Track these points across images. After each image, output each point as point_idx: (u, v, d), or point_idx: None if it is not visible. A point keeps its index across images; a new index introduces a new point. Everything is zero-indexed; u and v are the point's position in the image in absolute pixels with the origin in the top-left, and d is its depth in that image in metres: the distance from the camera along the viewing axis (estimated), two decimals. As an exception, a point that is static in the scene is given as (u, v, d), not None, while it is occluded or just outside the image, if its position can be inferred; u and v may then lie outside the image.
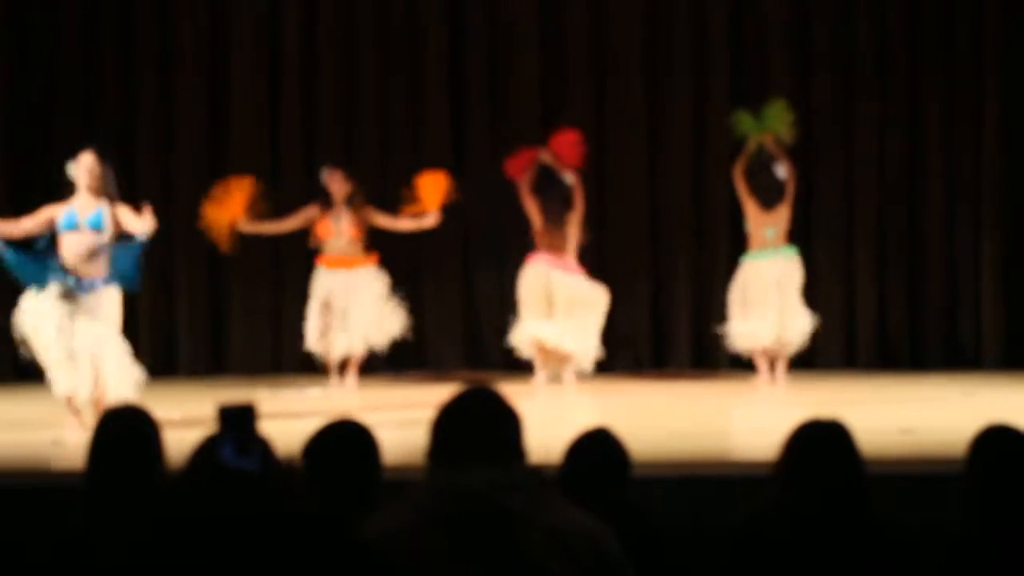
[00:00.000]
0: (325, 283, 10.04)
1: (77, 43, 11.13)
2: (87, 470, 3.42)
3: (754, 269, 10.16)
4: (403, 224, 10.06)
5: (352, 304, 9.98)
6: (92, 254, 7.82)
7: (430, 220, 9.99)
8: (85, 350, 7.74)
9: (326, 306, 10.00)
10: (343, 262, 10.01)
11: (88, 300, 7.78)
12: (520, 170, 10.30)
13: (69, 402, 7.88)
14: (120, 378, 7.84)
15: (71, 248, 7.81)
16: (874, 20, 11.20)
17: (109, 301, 7.87)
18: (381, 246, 10.29)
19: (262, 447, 2.22)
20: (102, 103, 11.13)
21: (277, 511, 2.15)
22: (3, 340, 10.97)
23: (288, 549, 2.16)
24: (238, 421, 2.22)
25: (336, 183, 9.97)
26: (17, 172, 10.95)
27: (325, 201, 10.01)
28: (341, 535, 2.54)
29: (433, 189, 9.96)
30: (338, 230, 9.95)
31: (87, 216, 7.86)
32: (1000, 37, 11.12)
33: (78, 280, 7.79)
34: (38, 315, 7.78)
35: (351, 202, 9.97)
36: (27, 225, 7.99)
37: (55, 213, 7.94)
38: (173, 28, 11.20)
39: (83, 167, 7.93)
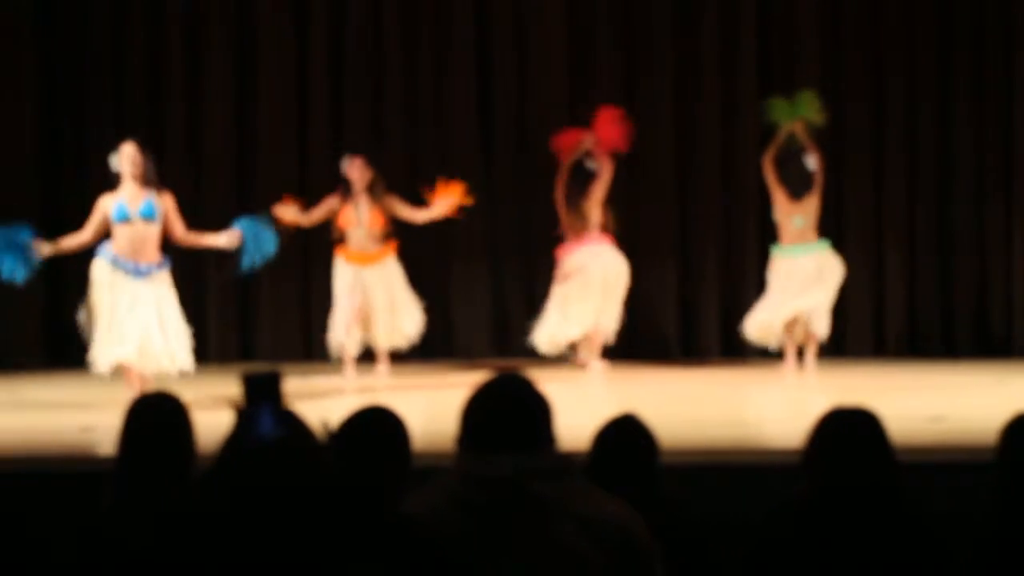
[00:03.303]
0: (348, 279, 9.89)
1: (105, 35, 11.18)
2: (118, 455, 3.43)
3: (788, 265, 10.07)
4: (422, 215, 9.89)
5: (379, 299, 9.88)
6: (145, 242, 8.29)
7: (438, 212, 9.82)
8: (151, 326, 8.28)
9: (353, 302, 9.86)
10: (364, 257, 9.86)
11: (147, 284, 8.27)
12: (566, 149, 10.24)
13: (124, 370, 8.34)
14: (179, 351, 8.41)
15: (125, 238, 8.25)
16: (903, 10, 11.15)
17: (166, 283, 8.40)
18: (409, 233, 10.29)
19: (291, 415, 2.18)
20: (132, 96, 11.18)
21: (315, 483, 2.11)
22: (34, 324, 11.08)
23: (330, 525, 2.12)
24: (265, 388, 2.16)
25: (356, 171, 9.80)
26: (48, 160, 11.02)
27: (346, 190, 9.83)
28: (381, 508, 2.54)
29: (447, 199, 9.78)
30: (359, 219, 9.77)
31: (138, 207, 8.27)
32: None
33: (136, 266, 8.25)
34: (107, 287, 8.26)
35: (372, 190, 9.80)
36: (89, 233, 8.42)
37: (106, 207, 8.33)
38: (201, 23, 11.23)
39: (126, 157, 8.31)
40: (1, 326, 10.92)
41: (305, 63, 11.32)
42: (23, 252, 8.27)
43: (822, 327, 10.09)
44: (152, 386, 8.20)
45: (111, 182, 8.40)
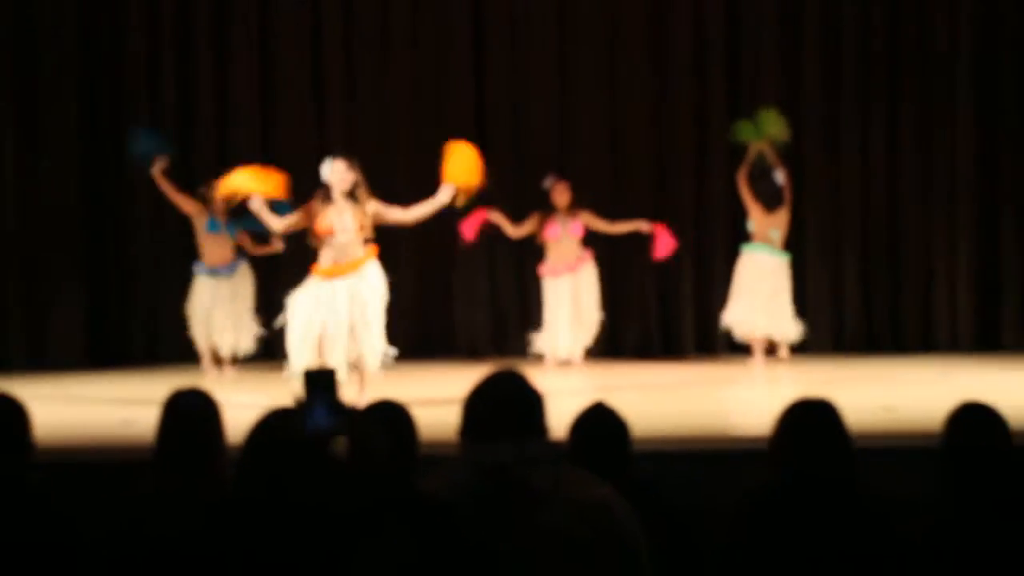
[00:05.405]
0: (313, 296, 7.88)
1: (140, 45, 11.20)
2: (156, 446, 3.44)
3: (753, 259, 10.12)
4: (415, 213, 8.01)
5: (344, 319, 7.80)
6: (228, 250, 10.07)
7: (443, 196, 7.92)
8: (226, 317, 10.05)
9: (311, 322, 7.87)
10: (338, 271, 7.85)
11: (229, 281, 10.04)
12: (473, 233, 10.10)
13: (212, 356, 10.14)
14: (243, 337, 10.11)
15: (214, 246, 10.01)
16: (857, 35, 11.16)
17: (244, 278, 10.17)
18: (413, 238, 10.24)
19: (344, 407, 2.21)
20: (164, 97, 11.19)
21: (360, 475, 2.10)
22: (77, 325, 11.04)
23: (357, 501, 2.11)
24: (322, 383, 2.20)
25: (337, 174, 7.80)
26: (90, 158, 11.02)
27: (326, 195, 7.83)
28: (405, 485, 2.54)
29: (460, 162, 8.00)
30: (342, 226, 7.78)
31: (224, 222, 9.96)
32: (973, 44, 11.04)
33: (214, 269, 10.01)
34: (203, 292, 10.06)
35: (353, 195, 7.83)
36: (187, 202, 10.04)
37: (201, 213, 10.00)
38: (227, 26, 11.25)
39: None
40: (47, 327, 10.92)
41: (319, 68, 11.32)
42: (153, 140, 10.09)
43: (792, 333, 10.23)
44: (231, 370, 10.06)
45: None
